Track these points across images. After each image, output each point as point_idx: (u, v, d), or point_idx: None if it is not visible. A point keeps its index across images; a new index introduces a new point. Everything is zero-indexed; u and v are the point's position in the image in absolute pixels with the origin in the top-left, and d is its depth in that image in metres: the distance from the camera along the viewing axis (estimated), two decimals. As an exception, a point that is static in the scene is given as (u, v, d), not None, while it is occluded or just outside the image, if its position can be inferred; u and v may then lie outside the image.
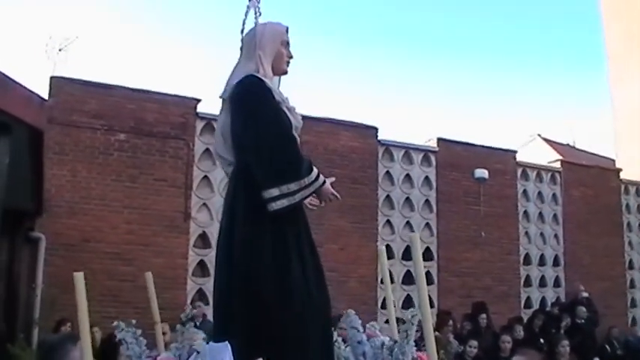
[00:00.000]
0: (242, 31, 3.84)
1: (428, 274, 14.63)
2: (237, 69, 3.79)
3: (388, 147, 14.69)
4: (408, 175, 14.83)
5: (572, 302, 15.77)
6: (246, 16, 3.81)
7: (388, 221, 14.37)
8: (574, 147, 29.94)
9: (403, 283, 14.29)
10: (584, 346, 14.49)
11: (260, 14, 3.78)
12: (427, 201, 15.00)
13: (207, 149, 12.69)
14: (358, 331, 3.96)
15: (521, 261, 16.20)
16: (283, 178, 3.41)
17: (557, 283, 16.85)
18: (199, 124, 12.72)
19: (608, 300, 16.88)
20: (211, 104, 13.14)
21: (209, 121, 12.76)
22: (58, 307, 10.44)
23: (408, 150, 14.96)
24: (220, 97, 3.76)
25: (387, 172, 14.57)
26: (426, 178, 15.07)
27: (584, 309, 15.11)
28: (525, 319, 14.12)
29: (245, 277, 3.37)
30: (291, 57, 3.86)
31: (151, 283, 4.41)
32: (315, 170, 3.53)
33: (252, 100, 3.54)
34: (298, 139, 3.66)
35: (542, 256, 16.66)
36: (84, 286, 2.96)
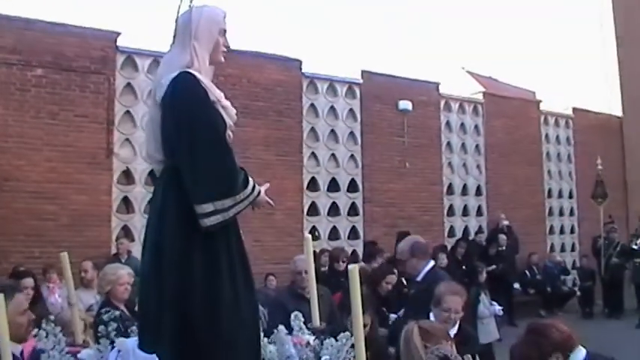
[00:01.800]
0: (176, 19, 3.58)
1: (353, 205, 14.84)
2: (169, 59, 3.56)
3: (312, 79, 14.67)
4: (332, 108, 14.87)
5: (493, 231, 16.27)
6: (181, 0, 3.54)
7: (313, 154, 14.43)
8: (497, 80, 30.23)
9: (329, 214, 14.47)
10: (505, 272, 15.05)
11: None
12: (352, 133, 15.09)
13: (129, 84, 12.48)
14: (287, 346, 3.96)
15: (445, 191, 16.54)
16: (218, 193, 3.26)
17: (479, 212, 17.29)
18: (120, 58, 12.45)
19: (528, 227, 17.45)
20: (132, 38, 12.88)
21: (130, 55, 12.53)
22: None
23: (332, 82, 14.96)
24: (151, 92, 3.54)
25: (312, 104, 14.58)
26: (351, 110, 15.13)
27: (504, 237, 15.65)
28: (449, 248, 14.52)
29: (175, 295, 3.25)
30: (228, 47, 3.64)
31: (66, 263, 4.08)
32: (251, 183, 3.40)
33: (187, 103, 3.33)
34: (232, 135, 3.51)
35: (464, 186, 17.04)
36: (4, 307, 2.78)
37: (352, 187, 14.92)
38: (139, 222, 12.16)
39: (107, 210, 12.00)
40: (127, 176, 12.38)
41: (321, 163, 14.53)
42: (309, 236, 4.16)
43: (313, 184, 14.37)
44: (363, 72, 15.42)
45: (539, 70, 22.37)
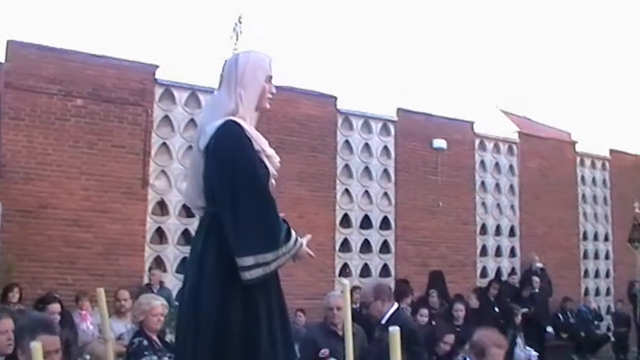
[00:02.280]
0: (223, 65, 3.56)
1: (385, 242, 14.78)
2: (214, 105, 3.58)
3: (347, 116, 14.71)
4: (367, 144, 14.88)
5: (526, 272, 16.09)
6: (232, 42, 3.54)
7: (347, 190, 14.42)
8: (531, 120, 30.06)
9: (361, 251, 14.42)
10: (538, 315, 14.85)
11: (241, 33, 3.52)
12: (386, 170, 15.08)
13: (166, 116, 12.62)
14: None
15: (478, 231, 16.41)
16: (260, 247, 3.18)
17: (512, 253, 17.11)
18: (158, 91, 12.61)
19: (562, 270, 17.22)
20: (170, 71, 13.07)
21: (168, 87, 12.69)
22: (14, 274, 10.41)
23: (367, 119, 14.99)
24: (196, 140, 3.48)
25: (346, 140, 14.60)
26: (385, 147, 15.13)
27: (537, 279, 15.46)
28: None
29: (212, 344, 3.21)
30: (273, 93, 3.60)
31: (102, 298, 4.01)
32: (294, 236, 3.32)
33: (230, 152, 3.28)
34: (274, 183, 3.47)
35: (498, 227, 16.89)
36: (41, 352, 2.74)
37: (385, 224, 14.87)
38: (171, 253, 12.24)
39: (141, 240, 12.08)
40: (162, 207, 12.47)
41: (354, 199, 14.51)
42: (347, 282, 4.04)
43: (346, 221, 14.34)
44: (398, 109, 15.44)
45: (574, 111, 22.31)
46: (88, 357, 3.96)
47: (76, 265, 11.30)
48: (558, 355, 14.41)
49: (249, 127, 3.41)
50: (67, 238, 11.41)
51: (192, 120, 12.60)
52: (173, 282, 11.83)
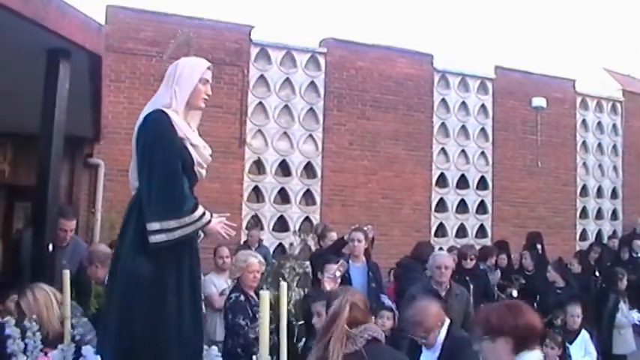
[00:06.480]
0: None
1: (482, 202, 14.58)
2: (154, 99, 3.95)
3: (444, 74, 14.49)
4: (464, 103, 14.65)
5: (628, 235, 15.57)
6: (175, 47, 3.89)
7: (443, 149, 14.27)
8: (636, 78, 28.88)
9: (457, 211, 14.27)
10: (640, 280, 14.32)
11: (191, 48, 3.85)
12: (483, 129, 14.83)
13: (262, 76, 12.71)
14: None
15: (578, 192, 16.01)
16: (164, 214, 3.57)
17: (614, 216, 16.65)
18: (254, 51, 12.70)
19: (667, 234, 16.62)
20: (265, 31, 13.11)
21: (263, 47, 12.76)
22: (117, 231, 10.71)
23: (464, 77, 14.74)
24: (135, 129, 3.87)
25: (443, 99, 14.40)
26: (482, 106, 14.87)
27: (640, 243, 14.89)
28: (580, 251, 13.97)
29: (120, 307, 3.60)
30: (208, 95, 3.99)
31: (66, 280, 4.19)
32: (200, 210, 3.66)
33: (151, 136, 3.70)
34: (204, 173, 3.92)
35: (599, 188, 16.44)
36: (69, 283, 2.89)
37: (482, 184, 14.67)
38: (268, 211, 12.38)
39: (238, 198, 12.26)
40: (258, 166, 12.60)
41: (450, 159, 14.35)
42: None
43: (442, 180, 14.20)
44: (496, 67, 15.13)
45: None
46: (34, 317, 4.25)
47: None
48: (662, 321, 13.91)
49: (178, 118, 3.79)
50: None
51: (287, 79, 12.69)
52: (270, 240, 12.05)
